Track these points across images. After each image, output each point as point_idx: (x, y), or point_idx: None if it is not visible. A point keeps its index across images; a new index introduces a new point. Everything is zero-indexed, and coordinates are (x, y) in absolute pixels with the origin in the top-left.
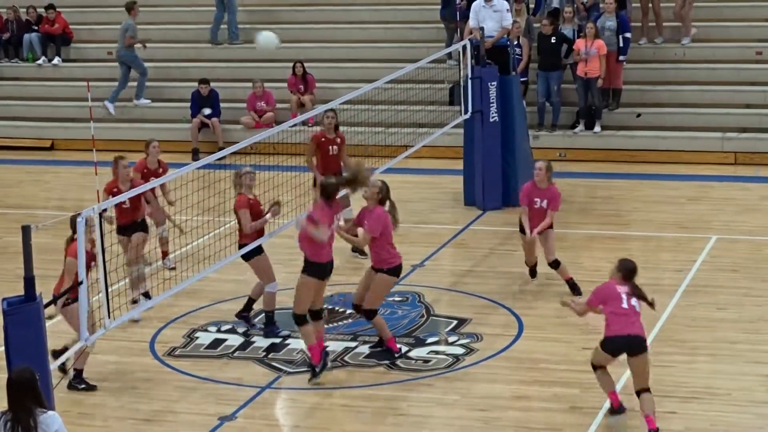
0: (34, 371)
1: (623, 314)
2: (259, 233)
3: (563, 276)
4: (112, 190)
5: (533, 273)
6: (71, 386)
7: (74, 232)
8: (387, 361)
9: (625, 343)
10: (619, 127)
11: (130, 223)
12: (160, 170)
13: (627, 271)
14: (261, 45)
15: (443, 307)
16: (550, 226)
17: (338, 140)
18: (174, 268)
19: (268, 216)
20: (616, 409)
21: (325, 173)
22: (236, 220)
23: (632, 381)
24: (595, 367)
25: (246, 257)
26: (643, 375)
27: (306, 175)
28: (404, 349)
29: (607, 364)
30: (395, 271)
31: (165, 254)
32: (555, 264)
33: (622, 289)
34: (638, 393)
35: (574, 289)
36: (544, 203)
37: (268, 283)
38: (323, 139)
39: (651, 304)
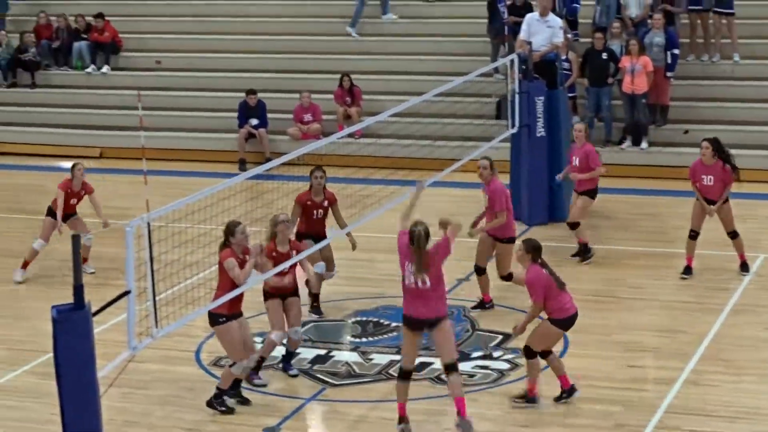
0: None
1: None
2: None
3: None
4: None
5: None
6: (210, 404)
7: (227, 237)
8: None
9: (575, 319)
10: (666, 144)
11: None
12: (83, 192)
13: (536, 250)
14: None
15: (488, 321)
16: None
17: (325, 203)
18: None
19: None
20: (568, 389)
21: (307, 231)
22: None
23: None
24: (536, 355)
25: None
26: None
27: (354, 186)
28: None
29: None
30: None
31: (85, 260)
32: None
33: (546, 273)
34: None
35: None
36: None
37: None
38: (309, 203)
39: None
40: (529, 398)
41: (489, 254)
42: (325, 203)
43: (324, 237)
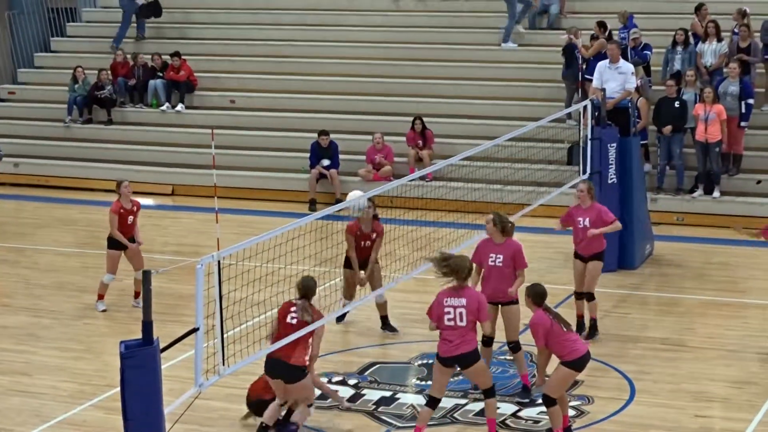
0: None
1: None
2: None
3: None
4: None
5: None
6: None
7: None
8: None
9: (587, 359)
10: (739, 193)
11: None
12: (135, 208)
13: (538, 295)
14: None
15: (552, 366)
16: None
17: (373, 235)
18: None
19: None
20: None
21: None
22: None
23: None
24: (554, 401)
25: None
26: None
27: (424, 229)
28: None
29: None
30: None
31: (138, 294)
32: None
33: (548, 317)
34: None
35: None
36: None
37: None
38: (358, 233)
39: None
40: None
41: (495, 320)
42: (373, 235)
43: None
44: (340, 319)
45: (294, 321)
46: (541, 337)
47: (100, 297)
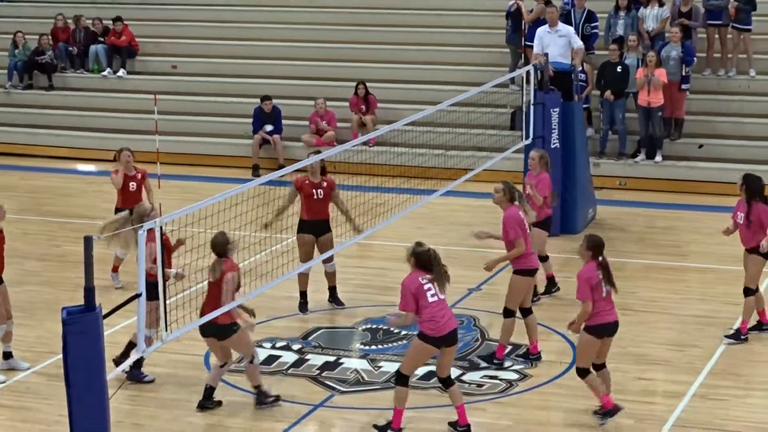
0: None
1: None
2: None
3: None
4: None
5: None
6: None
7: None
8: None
9: (611, 328)
10: (681, 158)
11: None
12: (139, 175)
13: (596, 247)
14: None
15: (498, 331)
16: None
17: (324, 183)
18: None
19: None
20: (613, 409)
21: (310, 218)
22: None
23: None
24: (587, 372)
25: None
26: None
27: (367, 194)
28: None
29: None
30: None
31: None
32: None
33: (599, 274)
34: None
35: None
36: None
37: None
38: (306, 182)
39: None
40: (607, 411)
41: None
42: (324, 184)
43: (326, 222)
44: (304, 309)
45: (212, 279)
46: (584, 290)
47: (115, 269)
